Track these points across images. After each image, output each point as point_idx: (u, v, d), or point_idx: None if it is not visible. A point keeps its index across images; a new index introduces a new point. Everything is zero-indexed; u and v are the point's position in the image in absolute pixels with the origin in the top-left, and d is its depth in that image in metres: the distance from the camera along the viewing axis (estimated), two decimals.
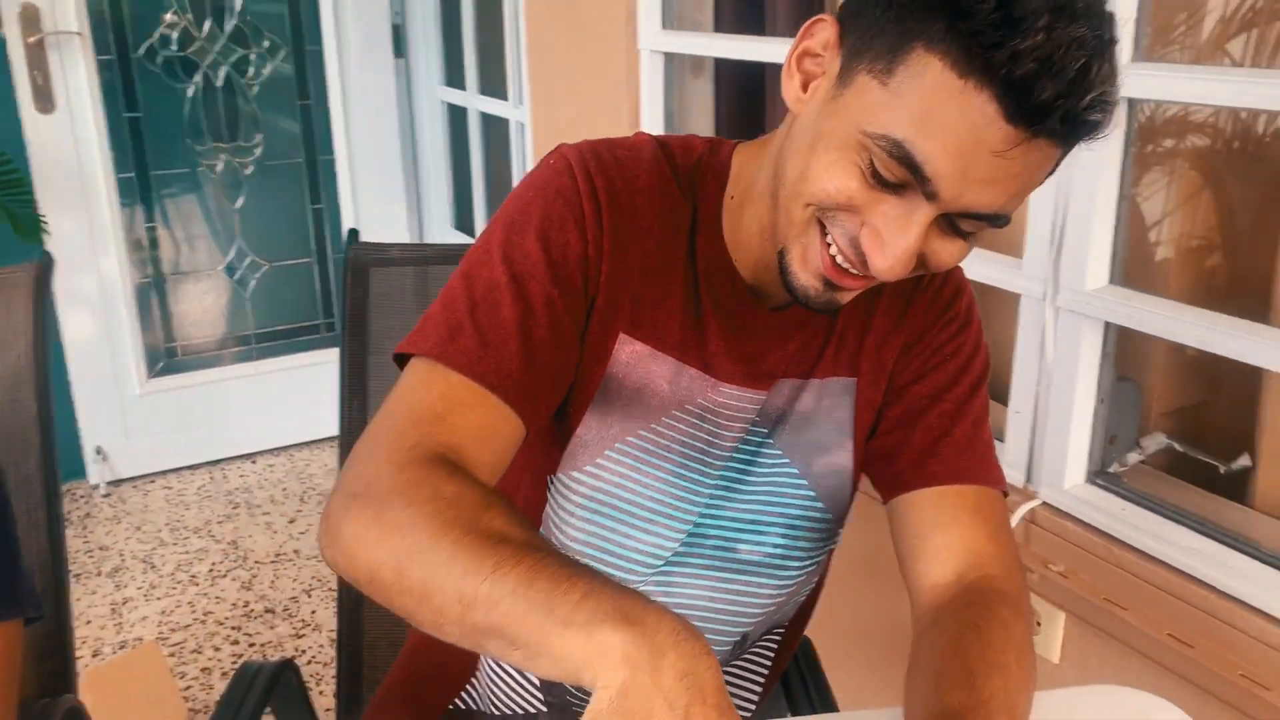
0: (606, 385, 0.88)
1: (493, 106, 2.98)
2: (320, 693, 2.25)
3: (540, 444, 0.92)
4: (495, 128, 3.03)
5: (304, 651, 2.40)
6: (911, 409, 0.92)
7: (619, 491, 0.90)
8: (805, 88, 0.77)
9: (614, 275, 0.85)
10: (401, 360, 0.82)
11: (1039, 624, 1.41)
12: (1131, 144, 1.26)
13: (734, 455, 0.92)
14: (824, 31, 0.76)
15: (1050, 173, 0.73)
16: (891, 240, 0.73)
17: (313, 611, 2.52)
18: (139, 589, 2.63)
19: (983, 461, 0.92)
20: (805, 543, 0.95)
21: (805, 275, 0.79)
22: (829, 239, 0.76)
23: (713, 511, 0.92)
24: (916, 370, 0.93)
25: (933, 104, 0.67)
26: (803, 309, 0.86)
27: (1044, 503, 1.39)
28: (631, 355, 0.87)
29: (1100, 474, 1.38)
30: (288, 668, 1.21)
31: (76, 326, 2.97)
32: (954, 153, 0.68)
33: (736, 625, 0.97)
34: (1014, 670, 0.79)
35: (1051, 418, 1.37)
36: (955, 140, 0.67)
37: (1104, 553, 1.30)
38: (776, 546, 0.94)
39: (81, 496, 3.12)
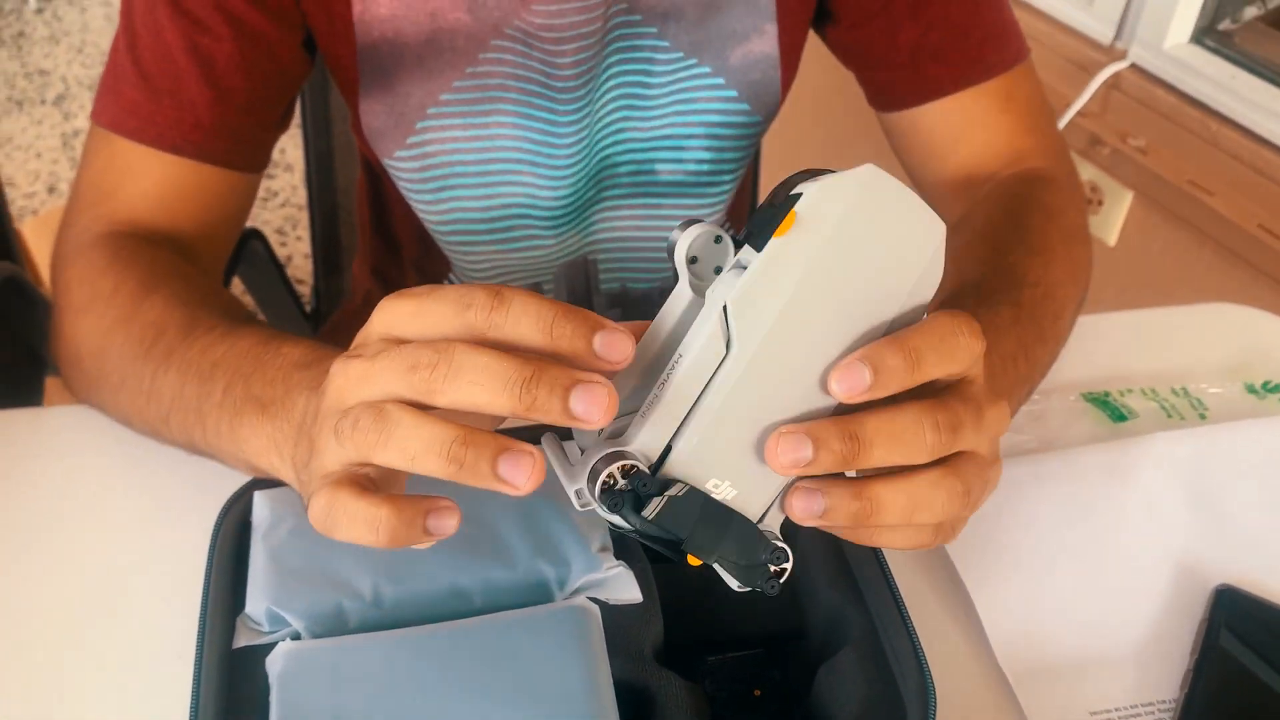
0: (369, 58, 0.68)
1: None
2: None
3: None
4: None
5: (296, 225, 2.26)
6: None
7: (453, 159, 0.73)
8: None
9: None
10: None
11: (1100, 203, 1.26)
12: None
13: (605, 72, 0.70)
14: None
15: None
16: None
17: (283, 152, 2.34)
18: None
19: (996, 35, 0.70)
20: (733, 152, 0.76)
21: None
22: None
23: (617, 137, 0.74)
24: None
25: None
26: None
27: (1133, 65, 1.18)
28: (392, 4, 0.66)
29: (1209, 32, 1.16)
30: (254, 236, 1.07)
31: None
32: None
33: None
34: (1059, 255, 0.63)
35: None
36: None
37: (1198, 126, 1.12)
38: (701, 162, 0.76)
39: (11, 11, 2.79)
